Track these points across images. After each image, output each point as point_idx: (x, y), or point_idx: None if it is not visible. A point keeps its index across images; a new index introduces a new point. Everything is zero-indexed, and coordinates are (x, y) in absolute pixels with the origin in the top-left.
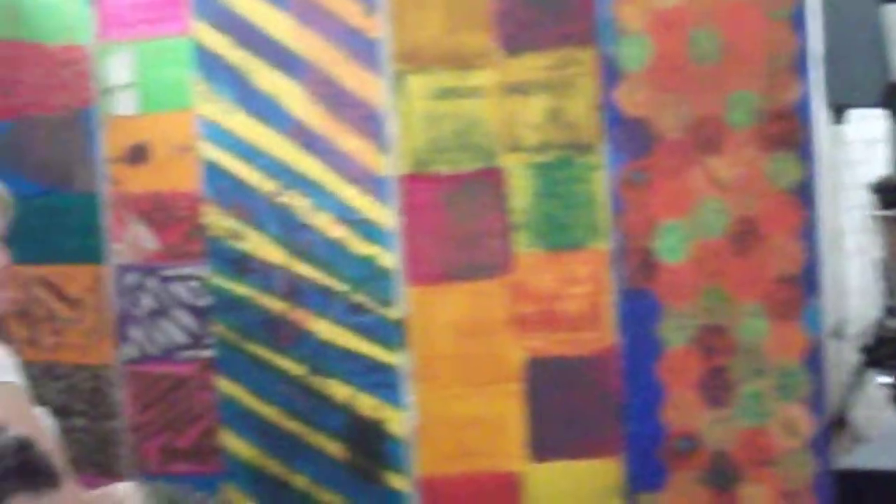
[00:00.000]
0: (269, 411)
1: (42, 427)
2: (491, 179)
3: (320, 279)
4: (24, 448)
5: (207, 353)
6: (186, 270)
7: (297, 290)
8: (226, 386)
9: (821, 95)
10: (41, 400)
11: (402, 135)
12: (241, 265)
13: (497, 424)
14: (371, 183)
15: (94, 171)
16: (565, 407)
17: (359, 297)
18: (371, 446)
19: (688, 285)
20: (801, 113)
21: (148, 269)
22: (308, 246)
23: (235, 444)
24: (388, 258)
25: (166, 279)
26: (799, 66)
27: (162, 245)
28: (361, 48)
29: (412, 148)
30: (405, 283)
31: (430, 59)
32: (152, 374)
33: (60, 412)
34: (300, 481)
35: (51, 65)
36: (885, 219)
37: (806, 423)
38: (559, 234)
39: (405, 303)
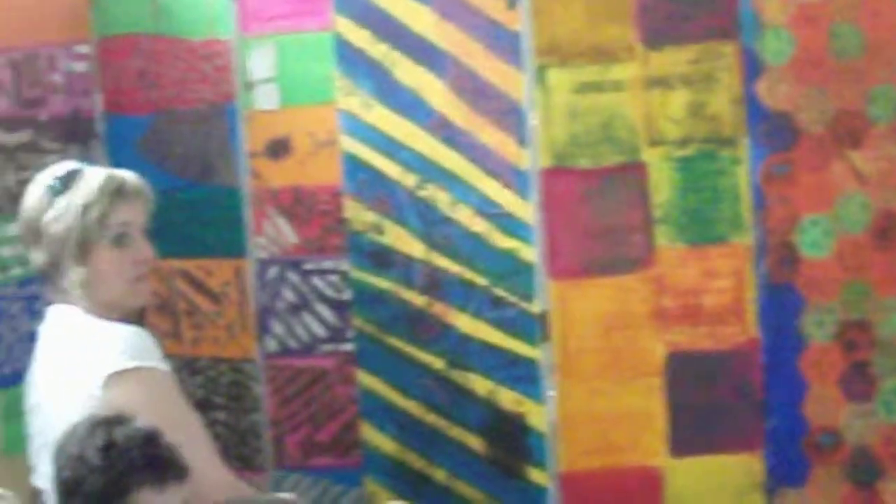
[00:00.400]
0: (409, 405)
1: (184, 413)
2: (632, 173)
3: (461, 273)
4: (150, 441)
5: (348, 347)
6: (327, 264)
7: (437, 284)
8: (366, 380)
9: None
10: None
11: (543, 129)
12: (381, 259)
13: (638, 419)
14: (512, 177)
15: (235, 165)
16: (706, 402)
17: (499, 291)
18: (511, 441)
19: (830, 280)
20: None
21: (289, 263)
22: (449, 240)
23: (375, 438)
24: (529, 252)
25: (307, 273)
26: None
27: (302, 239)
28: (503, 42)
29: (553, 142)
30: (546, 277)
31: (571, 53)
32: (293, 368)
33: (201, 406)
34: (440, 475)
35: (192, 59)
36: None
37: None
38: (701, 229)
39: (546, 297)
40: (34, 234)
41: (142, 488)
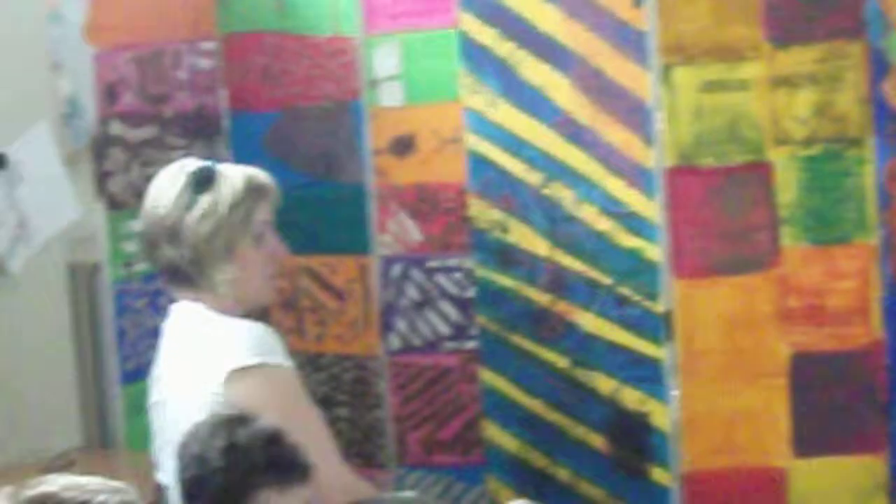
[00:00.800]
0: (532, 403)
1: (307, 412)
2: (758, 173)
3: (585, 271)
4: (273, 441)
5: (471, 345)
6: (451, 262)
7: (561, 283)
8: (489, 377)
9: None
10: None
11: (669, 128)
12: (506, 257)
13: (761, 419)
14: (637, 176)
15: (360, 163)
16: (829, 403)
17: (624, 290)
18: (635, 440)
19: None
20: None
21: (413, 261)
22: (573, 238)
23: (498, 436)
24: (654, 251)
25: (431, 271)
26: None
27: (426, 236)
28: (628, 40)
29: (678, 141)
30: (671, 276)
31: (697, 52)
32: (416, 366)
33: (323, 403)
34: (563, 474)
35: (318, 56)
36: None
37: None
38: (826, 229)
39: (670, 296)
40: (168, 232)
41: (264, 489)
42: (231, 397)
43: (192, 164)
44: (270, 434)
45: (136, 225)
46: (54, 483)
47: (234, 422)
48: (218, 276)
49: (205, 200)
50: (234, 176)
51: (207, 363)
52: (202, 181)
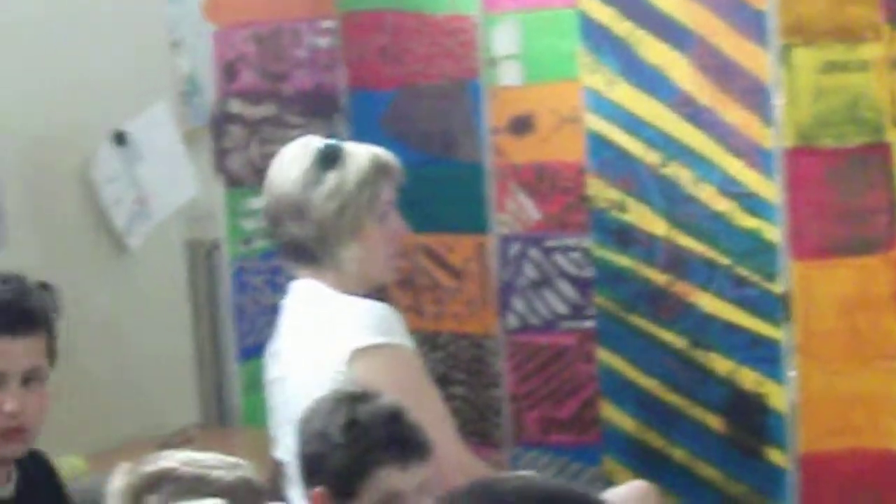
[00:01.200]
0: (649, 383)
1: (427, 392)
2: (877, 154)
3: (703, 252)
4: (394, 418)
5: (589, 325)
6: (569, 241)
7: (679, 263)
8: (606, 357)
9: None
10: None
11: (788, 108)
12: (624, 237)
13: (879, 401)
14: (756, 156)
15: (478, 141)
16: None
17: (742, 271)
18: (751, 421)
19: None
20: None
21: (531, 240)
22: (691, 218)
23: (615, 416)
24: (773, 232)
25: (549, 250)
26: None
27: (544, 216)
28: (748, 20)
29: (798, 121)
30: (789, 257)
31: (816, 33)
32: (533, 345)
33: (441, 381)
34: (679, 454)
35: (436, 35)
36: None
37: None
38: None
39: (789, 277)
40: (294, 208)
41: (385, 466)
42: (353, 376)
43: (316, 141)
44: (392, 411)
45: (256, 202)
46: (171, 459)
47: (355, 399)
48: (344, 253)
49: (331, 178)
50: (360, 154)
51: (330, 342)
52: (329, 159)
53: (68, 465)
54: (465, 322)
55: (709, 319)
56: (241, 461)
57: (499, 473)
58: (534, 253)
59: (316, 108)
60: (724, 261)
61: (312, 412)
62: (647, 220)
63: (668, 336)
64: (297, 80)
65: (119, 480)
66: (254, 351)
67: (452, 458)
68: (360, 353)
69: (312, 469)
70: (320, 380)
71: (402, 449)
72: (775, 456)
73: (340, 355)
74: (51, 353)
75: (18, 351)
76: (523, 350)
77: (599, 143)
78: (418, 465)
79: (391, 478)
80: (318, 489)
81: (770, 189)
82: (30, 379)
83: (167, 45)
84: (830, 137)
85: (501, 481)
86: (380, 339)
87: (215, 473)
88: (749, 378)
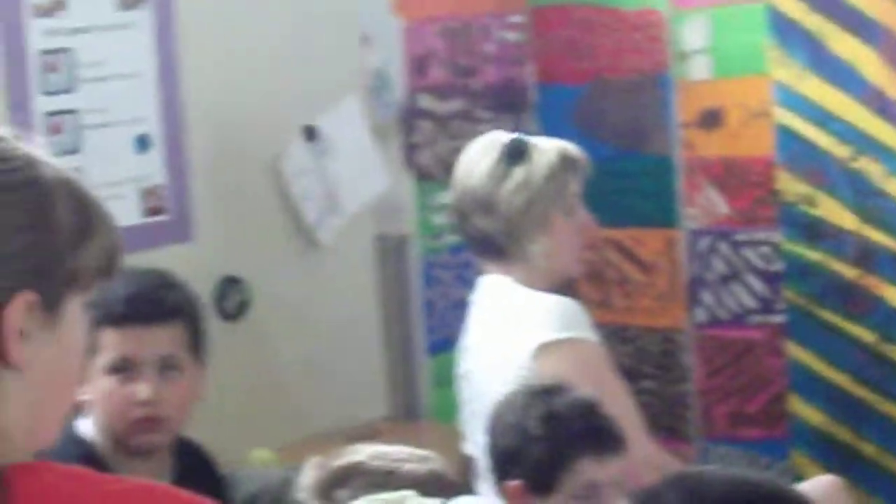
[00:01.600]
0: (838, 378)
1: (615, 386)
2: None
3: (893, 246)
4: (591, 410)
5: (778, 319)
6: (758, 235)
7: (869, 257)
8: (796, 352)
9: None
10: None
11: None
12: (813, 231)
13: None
14: None
15: (667, 136)
16: None
17: None
18: None
19: None
20: None
21: (720, 234)
22: (882, 212)
23: (804, 411)
24: None
25: (738, 244)
26: None
27: (734, 210)
28: None
29: None
30: None
31: None
32: (722, 339)
33: (629, 375)
34: (868, 449)
35: (626, 29)
36: None
37: None
38: None
39: None
40: (482, 203)
41: (583, 458)
42: (539, 371)
43: (503, 136)
44: (588, 403)
45: (446, 197)
46: (361, 452)
47: (550, 391)
48: (532, 247)
49: (519, 172)
50: (547, 148)
51: (516, 337)
52: (516, 153)
53: (258, 458)
54: (655, 316)
55: None
56: (431, 454)
57: (687, 468)
58: (723, 247)
59: (505, 103)
60: None
61: (505, 406)
62: (837, 214)
63: (858, 330)
64: (486, 74)
65: (309, 474)
66: (443, 345)
67: (640, 451)
68: (546, 348)
69: (508, 463)
70: (505, 375)
71: (599, 441)
72: None
73: (526, 350)
74: (195, 346)
75: (152, 339)
76: (712, 344)
77: (789, 138)
78: (614, 457)
79: (589, 470)
80: (515, 482)
81: None
82: (167, 369)
83: (357, 40)
84: None
85: (710, 474)
86: (565, 334)
87: (406, 467)
88: None
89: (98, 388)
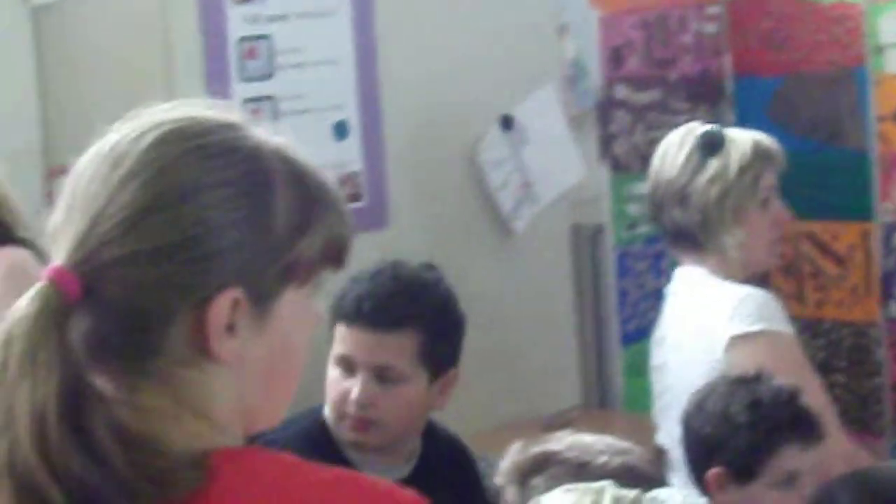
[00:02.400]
0: None
1: (810, 379)
2: None
3: None
4: (794, 399)
5: None
6: None
7: None
8: None
9: None
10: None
11: None
12: None
13: None
14: None
15: (863, 129)
16: None
17: None
18: None
19: None
20: None
21: None
22: None
23: None
24: None
25: None
26: None
27: None
28: None
29: None
30: None
31: None
32: None
33: (821, 368)
34: None
35: (822, 22)
36: None
37: None
38: None
39: None
40: (677, 195)
41: (788, 446)
42: (733, 363)
43: (699, 128)
44: (791, 392)
45: (641, 188)
46: (560, 442)
47: (753, 380)
48: (727, 239)
49: (714, 164)
50: (741, 140)
51: (709, 329)
52: (711, 145)
53: None
54: (848, 310)
55: None
56: (631, 447)
57: (879, 463)
58: None
59: (701, 94)
60: None
61: (705, 395)
62: None
63: None
64: (682, 65)
65: (509, 460)
66: (636, 335)
67: (834, 444)
68: (739, 340)
69: (710, 451)
70: (700, 367)
71: (803, 429)
72: None
73: (720, 342)
74: (425, 356)
75: (373, 345)
76: None
77: None
78: (816, 445)
79: (792, 458)
80: (717, 469)
81: None
82: (383, 376)
83: (554, 29)
84: None
85: (882, 471)
86: (758, 326)
87: (599, 459)
88: None
89: (329, 375)
